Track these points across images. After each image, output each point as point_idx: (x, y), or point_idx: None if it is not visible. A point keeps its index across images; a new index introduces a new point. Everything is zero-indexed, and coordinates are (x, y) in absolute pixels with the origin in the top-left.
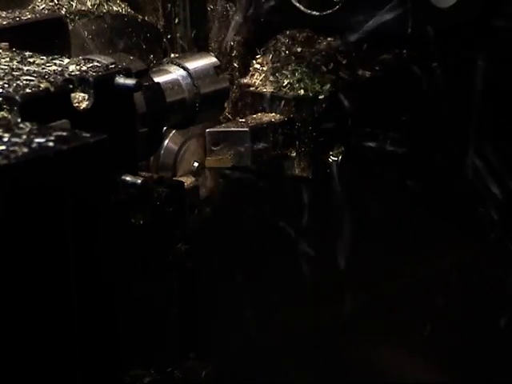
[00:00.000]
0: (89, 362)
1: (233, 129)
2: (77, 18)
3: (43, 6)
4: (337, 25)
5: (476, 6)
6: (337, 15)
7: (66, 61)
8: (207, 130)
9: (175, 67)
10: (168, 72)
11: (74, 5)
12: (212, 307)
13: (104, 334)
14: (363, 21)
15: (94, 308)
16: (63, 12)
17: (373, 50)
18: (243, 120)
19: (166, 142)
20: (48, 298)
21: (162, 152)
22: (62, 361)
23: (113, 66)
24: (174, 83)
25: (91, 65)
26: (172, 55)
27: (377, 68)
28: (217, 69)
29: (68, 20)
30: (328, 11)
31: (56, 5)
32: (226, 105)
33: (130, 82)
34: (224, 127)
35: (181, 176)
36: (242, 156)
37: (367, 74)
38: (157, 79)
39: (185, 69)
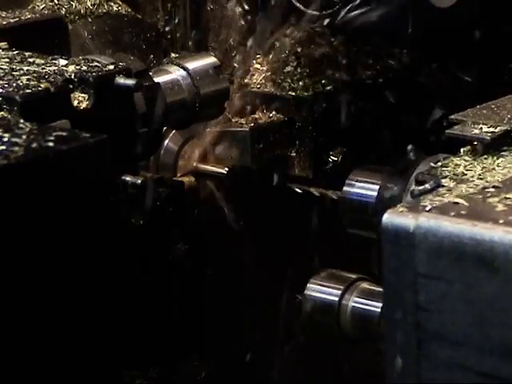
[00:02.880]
0: (88, 360)
1: (233, 129)
2: (77, 18)
3: (43, 6)
4: (337, 25)
5: (475, 7)
6: (337, 15)
7: (66, 61)
8: (207, 130)
9: (175, 67)
10: (168, 72)
11: (74, 5)
12: (212, 307)
13: (103, 334)
14: (363, 20)
15: (94, 308)
16: (63, 12)
17: (373, 49)
18: (243, 120)
19: (166, 141)
20: (47, 297)
21: (162, 152)
22: (61, 358)
23: (113, 66)
24: (174, 83)
25: (91, 65)
26: (172, 55)
27: (377, 68)
28: (217, 69)
29: (68, 20)
30: (328, 11)
31: (56, 5)
32: (226, 105)
33: (130, 82)
34: (224, 127)
35: (181, 176)
36: (242, 156)
37: (367, 73)
38: (157, 79)
39: (185, 69)
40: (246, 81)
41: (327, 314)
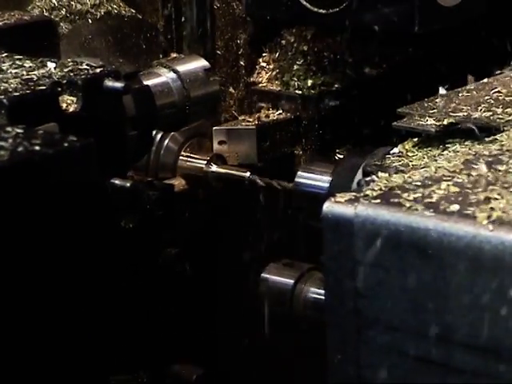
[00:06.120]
0: (77, 364)
1: (239, 127)
2: (77, 18)
3: (43, 5)
4: (343, 23)
5: (481, 4)
6: (343, 13)
7: (55, 64)
8: (214, 128)
9: (165, 70)
10: (158, 75)
11: (74, 5)
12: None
13: (93, 337)
14: (370, 19)
15: (82, 312)
16: (63, 12)
17: (379, 48)
18: (250, 118)
19: (166, 141)
20: (35, 301)
21: (162, 152)
22: (50, 362)
23: (102, 68)
24: (164, 86)
25: (80, 68)
26: (174, 55)
27: (384, 66)
28: (207, 71)
29: (68, 20)
30: (335, 9)
31: (56, 5)
32: (232, 103)
33: (119, 84)
34: (230, 125)
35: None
36: (248, 154)
37: (374, 72)
38: (147, 82)
39: (175, 71)
40: (252, 79)
41: (281, 302)
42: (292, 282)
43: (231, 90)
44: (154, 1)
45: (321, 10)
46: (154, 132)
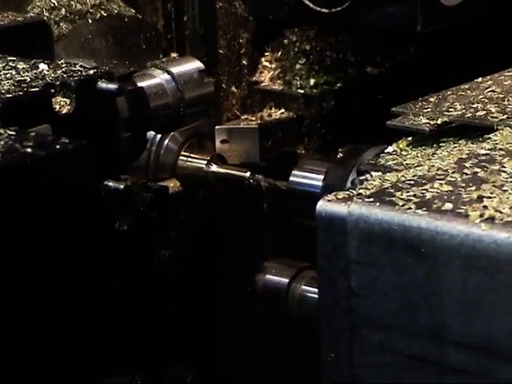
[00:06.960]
0: (71, 366)
1: (242, 126)
2: (77, 18)
3: (43, 5)
4: (346, 22)
5: (483, 4)
6: (346, 12)
7: (48, 65)
8: (216, 127)
9: (159, 71)
10: (152, 76)
11: (74, 5)
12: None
13: (87, 340)
14: (372, 18)
15: (76, 314)
16: (63, 12)
17: (382, 47)
18: (252, 117)
19: (166, 141)
20: (29, 303)
21: (162, 152)
22: (43, 365)
23: (95, 70)
24: (158, 87)
25: (73, 69)
26: (175, 55)
27: (386, 65)
28: (201, 73)
29: (68, 20)
30: (337, 8)
31: (56, 5)
32: (234, 102)
33: (113, 86)
34: (233, 124)
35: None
36: (250, 153)
37: (376, 71)
38: (141, 84)
39: (169, 73)
40: (254, 78)
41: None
42: (287, 280)
43: (233, 89)
44: (154, 0)
45: (323, 10)
46: (152, 133)
